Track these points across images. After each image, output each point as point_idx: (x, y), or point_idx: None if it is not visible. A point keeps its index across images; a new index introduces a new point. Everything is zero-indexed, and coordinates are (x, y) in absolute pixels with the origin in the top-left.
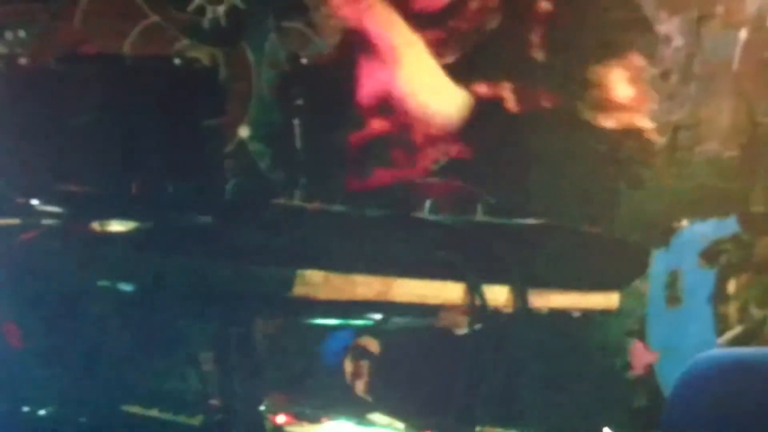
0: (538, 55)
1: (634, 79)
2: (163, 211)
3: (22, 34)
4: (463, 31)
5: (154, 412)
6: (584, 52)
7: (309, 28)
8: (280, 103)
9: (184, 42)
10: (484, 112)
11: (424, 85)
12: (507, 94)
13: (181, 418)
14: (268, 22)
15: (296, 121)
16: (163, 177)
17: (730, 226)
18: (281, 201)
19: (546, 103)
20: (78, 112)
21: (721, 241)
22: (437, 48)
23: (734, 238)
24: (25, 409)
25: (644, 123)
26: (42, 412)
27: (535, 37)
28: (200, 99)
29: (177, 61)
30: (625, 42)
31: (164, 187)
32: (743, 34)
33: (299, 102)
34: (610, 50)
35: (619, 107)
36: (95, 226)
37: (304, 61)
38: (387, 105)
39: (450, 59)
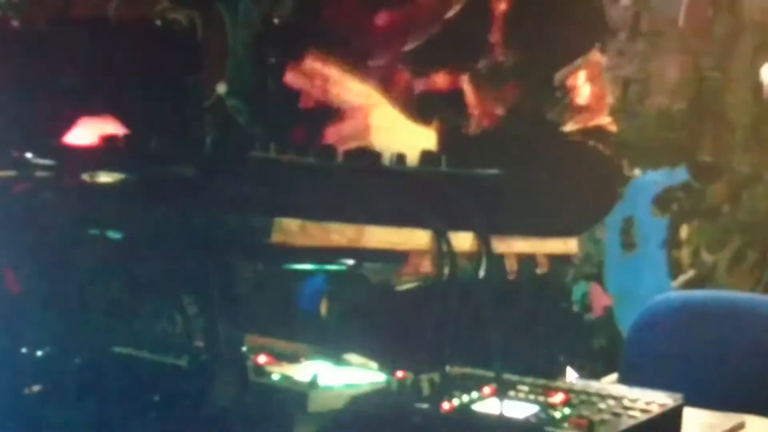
0: (499, 47)
1: (595, 78)
2: (147, 164)
3: None
4: (421, 17)
5: (143, 353)
6: (547, 51)
7: None
8: (254, 62)
9: (165, 4)
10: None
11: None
12: (466, 86)
13: (169, 359)
14: None
15: (270, 79)
16: (147, 132)
17: (680, 174)
18: (258, 154)
19: (507, 100)
20: (67, 71)
21: (673, 189)
22: (393, 34)
23: (685, 186)
24: (24, 350)
25: (605, 120)
26: (39, 353)
27: (495, 29)
28: (180, 58)
29: (158, 22)
30: (586, 40)
31: (148, 141)
32: None
33: (272, 60)
34: (573, 50)
35: (583, 108)
36: (85, 177)
37: (276, 21)
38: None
39: (408, 46)
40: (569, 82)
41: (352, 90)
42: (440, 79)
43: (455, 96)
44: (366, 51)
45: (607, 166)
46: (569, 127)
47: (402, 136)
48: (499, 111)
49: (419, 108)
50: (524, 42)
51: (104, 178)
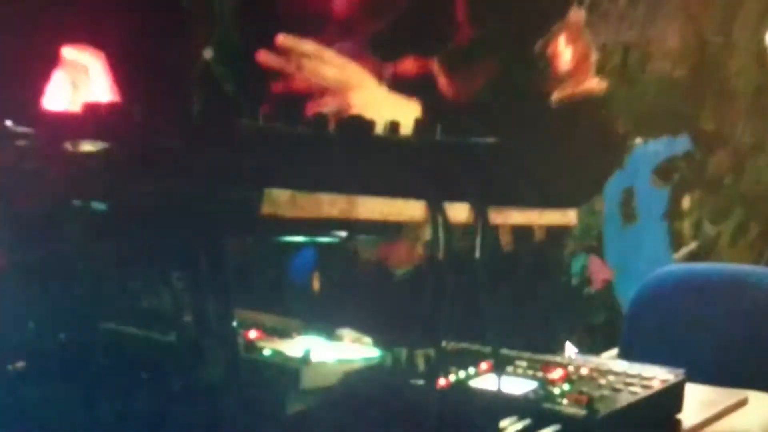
0: (467, 25)
1: (576, 38)
2: (132, 132)
3: None
4: (380, 1)
5: (130, 329)
6: (519, 22)
7: None
8: (241, 28)
9: None
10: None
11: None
12: (437, 69)
13: (157, 335)
14: None
15: (257, 45)
16: (132, 99)
17: (681, 144)
18: (246, 122)
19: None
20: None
21: (674, 159)
22: (354, 20)
23: (686, 156)
24: (6, 326)
25: (593, 83)
26: (22, 329)
27: (460, 6)
28: (165, 23)
29: None
30: (559, 4)
31: (133, 109)
32: None
33: (257, 27)
34: (546, 16)
35: (567, 75)
36: (68, 146)
37: None
38: None
39: (372, 29)
40: (550, 50)
41: (331, 67)
42: (409, 65)
43: (427, 81)
44: (326, 39)
45: (602, 131)
46: (557, 95)
47: (385, 114)
48: (477, 85)
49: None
50: (493, 16)
51: (87, 147)
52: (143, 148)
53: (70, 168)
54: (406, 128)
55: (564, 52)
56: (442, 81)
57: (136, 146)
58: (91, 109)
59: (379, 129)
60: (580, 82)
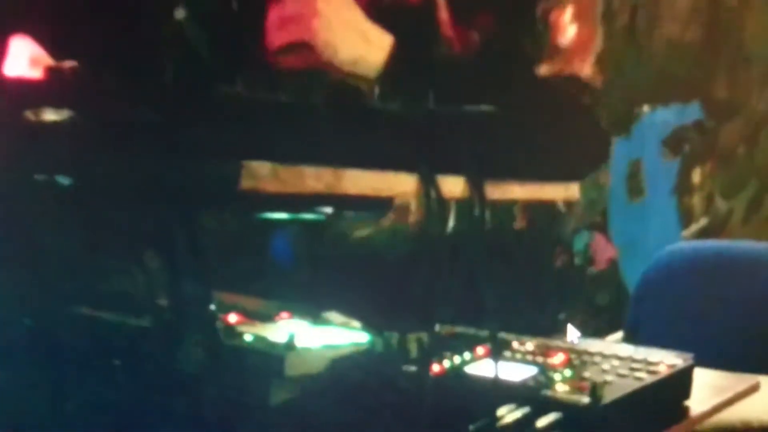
0: None
1: (584, 18)
2: (98, 100)
3: None
4: None
5: (101, 313)
6: None
7: None
8: None
9: None
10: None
11: (346, 37)
12: (441, 2)
13: (130, 319)
14: None
15: (235, 3)
16: (97, 63)
17: (692, 112)
18: (223, 90)
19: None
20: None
21: (684, 129)
22: None
23: (697, 125)
24: None
25: (586, 71)
26: None
27: None
28: None
29: None
30: None
31: (99, 74)
32: None
33: None
34: None
35: (564, 51)
36: (29, 115)
37: None
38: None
39: None
40: (552, 17)
41: None
42: None
43: (427, 11)
44: None
45: (584, 122)
46: (545, 69)
47: (353, 37)
48: (474, 37)
49: (386, 18)
50: None
51: (50, 116)
52: (111, 118)
53: (32, 140)
54: (370, 65)
55: (568, 27)
56: (444, 16)
57: (103, 115)
58: (54, 75)
59: (344, 55)
60: (573, 63)
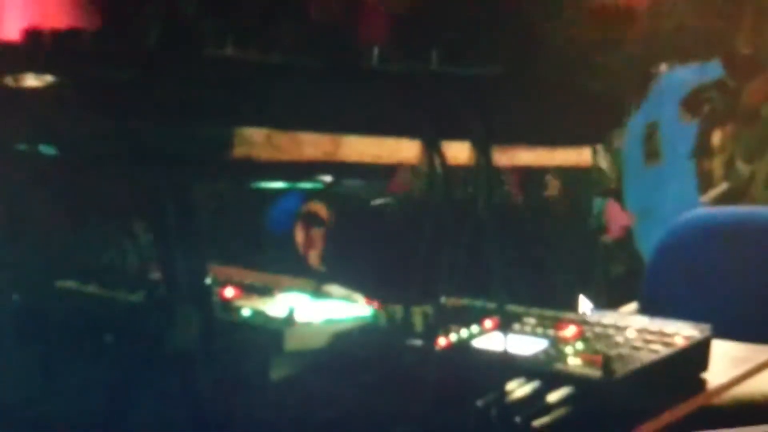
0: None
1: None
2: (81, 64)
3: None
4: None
5: (91, 288)
6: None
7: None
8: None
9: None
10: None
11: None
12: None
13: (121, 294)
14: None
15: None
16: (78, 25)
17: (713, 70)
18: (212, 52)
19: None
20: None
21: (704, 88)
22: None
23: (718, 84)
24: None
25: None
26: None
27: None
28: None
29: None
30: None
31: (80, 37)
32: None
33: None
34: None
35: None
36: (8, 81)
37: None
38: None
39: None
40: None
41: None
42: None
43: None
44: None
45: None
46: (557, 26)
47: None
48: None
49: None
50: None
51: (31, 81)
52: (95, 82)
53: (12, 106)
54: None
55: None
56: None
57: (86, 80)
58: (34, 37)
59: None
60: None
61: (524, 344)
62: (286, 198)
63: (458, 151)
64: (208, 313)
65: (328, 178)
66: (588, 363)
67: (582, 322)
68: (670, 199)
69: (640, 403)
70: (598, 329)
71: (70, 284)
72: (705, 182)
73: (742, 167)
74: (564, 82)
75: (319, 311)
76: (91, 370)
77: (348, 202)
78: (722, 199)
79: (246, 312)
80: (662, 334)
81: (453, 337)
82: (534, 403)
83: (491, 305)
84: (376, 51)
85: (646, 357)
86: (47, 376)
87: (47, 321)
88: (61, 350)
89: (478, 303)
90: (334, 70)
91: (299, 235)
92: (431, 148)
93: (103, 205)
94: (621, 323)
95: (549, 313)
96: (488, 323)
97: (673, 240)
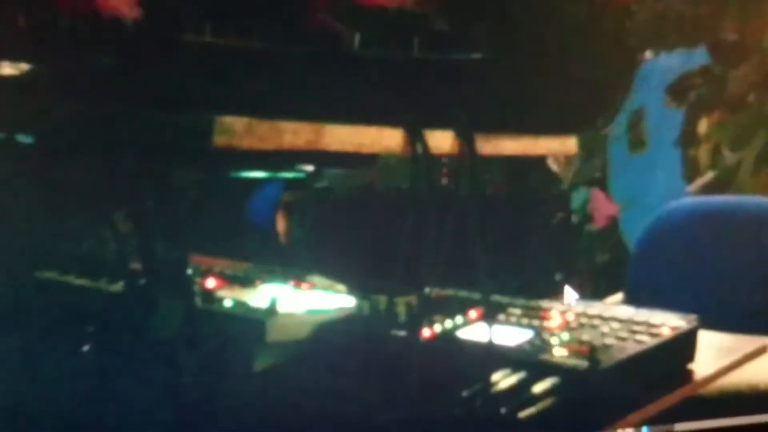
0: None
1: None
2: (56, 50)
3: None
4: None
5: (69, 278)
6: None
7: None
8: None
9: None
10: None
11: None
12: None
13: (101, 284)
14: None
15: None
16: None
17: (699, 57)
18: (190, 37)
19: None
20: None
21: (690, 75)
22: None
23: (704, 71)
24: None
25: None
26: None
27: None
28: None
29: None
30: None
31: (55, 22)
32: None
33: None
34: None
35: None
36: None
37: None
38: None
39: None
40: None
41: None
42: None
43: None
44: None
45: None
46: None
47: None
48: None
49: None
50: None
51: (5, 69)
52: (71, 68)
53: None
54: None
55: None
56: None
57: (63, 66)
58: (5, 23)
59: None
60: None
61: (509, 335)
62: (268, 187)
63: (441, 140)
64: (189, 304)
65: (309, 167)
66: (574, 353)
67: (567, 312)
68: (655, 187)
69: (627, 394)
70: (583, 319)
71: (48, 274)
72: (691, 171)
73: (729, 156)
74: (549, 68)
75: (302, 302)
76: (71, 360)
77: (330, 191)
78: (708, 188)
79: (227, 303)
80: (648, 324)
81: (437, 327)
82: (519, 394)
83: (476, 296)
84: (358, 38)
85: (632, 348)
86: (26, 367)
87: (25, 311)
88: (39, 341)
89: (463, 293)
90: (316, 57)
91: (281, 225)
92: (414, 136)
93: (81, 194)
94: (607, 313)
95: (534, 303)
96: (473, 314)
97: (658, 229)
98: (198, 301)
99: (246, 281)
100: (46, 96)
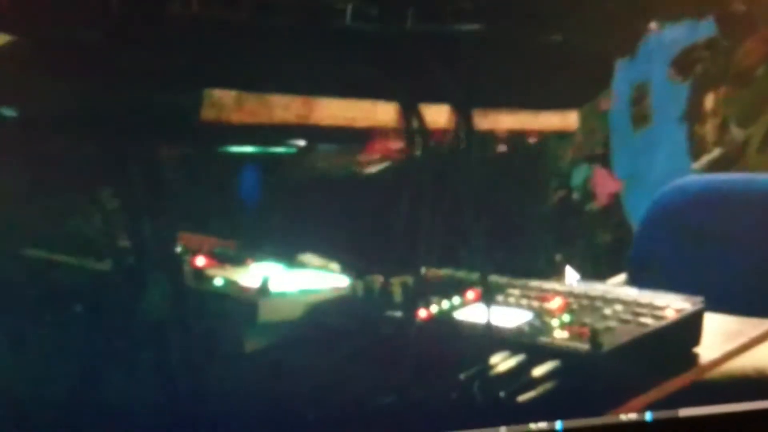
0: None
1: None
2: (40, 24)
3: None
4: None
5: (56, 257)
6: None
7: None
8: None
9: None
10: None
11: None
12: None
13: (88, 263)
14: None
15: None
16: None
17: (706, 29)
18: (177, 9)
19: None
20: None
21: (696, 48)
22: None
23: (711, 44)
24: None
25: None
26: None
27: None
28: None
29: None
30: None
31: None
32: None
33: None
34: None
35: None
36: None
37: None
38: None
39: None
40: None
41: None
42: None
43: None
44: None
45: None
46: None
47: None
48: None
49: None
50: None
51: None
52: (56, 43)
53: None
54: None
55: None
56: None
57: (47, 41)
58: None
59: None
60: None
61: (508, 316)
62: (259, 163)
63: (437, 115)
64: (179, 283)
65: (301, 143)
66: (575, 336)
67: (568, 293)
68: (660, 165)
69: (629, 379)
70: (584, 301)
71: (34, 253)
72: (697, 147)
73: (736, 132)
74: (548, 41)
75: (294, 281)
76: (59, 341)
77: (323, 167)
78: (715, 165)
79: (218, 282)
80: (652, 306)
81: (434, 308)
82: (518, 378)
83: (473, 276)
84: (349, 9)
85: (635, 330)
86: (13, 348)
87: (12, 291)
88: (26, 322)
89: (460, 274)
90: (307, 29)
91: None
92: (409, 111)
93: (67, 171)
94: (609, 295)
95: (533, 284)
96: (470, 294)
97: (663, 208)
98: (188, 280)
99: (236, 260)
100: (29, 71)
